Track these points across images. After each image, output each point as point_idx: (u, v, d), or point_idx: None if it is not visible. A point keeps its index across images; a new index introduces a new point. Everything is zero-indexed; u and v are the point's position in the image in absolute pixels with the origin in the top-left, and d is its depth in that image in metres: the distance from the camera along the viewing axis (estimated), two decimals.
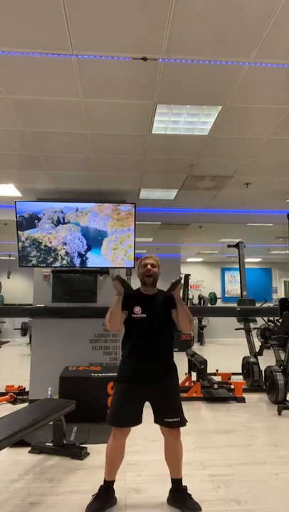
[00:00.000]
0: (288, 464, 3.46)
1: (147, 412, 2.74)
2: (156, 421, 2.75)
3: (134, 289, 2.94)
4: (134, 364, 2.73)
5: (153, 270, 2.82)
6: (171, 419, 2.70)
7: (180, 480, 2.77)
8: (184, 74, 2.67)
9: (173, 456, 2.75)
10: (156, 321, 2.75)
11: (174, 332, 2.85)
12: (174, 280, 2.74)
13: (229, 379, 6.27)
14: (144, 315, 2.74)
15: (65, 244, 5.21)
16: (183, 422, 2.73)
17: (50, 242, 5.19)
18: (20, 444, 3.42)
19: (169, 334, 2.82)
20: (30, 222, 5.14)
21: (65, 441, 3.66)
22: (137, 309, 2.75)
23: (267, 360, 6.20)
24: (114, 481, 2.76)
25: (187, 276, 12.09)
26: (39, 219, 5.15)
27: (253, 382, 6.00)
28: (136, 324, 2.76)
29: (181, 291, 2.88)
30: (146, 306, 2.76)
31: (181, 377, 6.05)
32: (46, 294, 5.47)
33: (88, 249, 5.25)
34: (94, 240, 5.24)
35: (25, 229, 5.15)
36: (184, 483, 2.77)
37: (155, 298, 2.84)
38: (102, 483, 2.74)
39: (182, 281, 2.81)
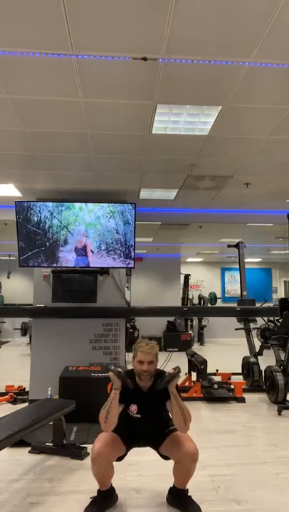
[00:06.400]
0: (288, 464, 3.46)
1: None
2: (159, 447, 2.73)
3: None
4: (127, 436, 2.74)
5: (150, 369, 2.68)
6: (172, 427, 2.70)
7: (184, 489, 2.71)
8: (184, 74, 2.67)
9: (185, 476, 2.66)
10: (151, 421, 2.74)
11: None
12: (171, 370, 2.62)
13: (229, 379, 6.27)
14: (139, 415, 2.71)
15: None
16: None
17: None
18: (20, 444, 3.43)
19: (165, 425, 2.77)
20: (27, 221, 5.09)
21: (65, 441, 3.67)
22: (133, 408, 2.71)
23: (267, 360, 6.20)
24: (110, 486, 2.73)
25: (187, 276, 12.08)
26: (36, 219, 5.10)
27: (253, 382, 6.00)
28: (131, 421, 2.73)
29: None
30: (141, 404, 2.71)
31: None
32: (46, 294, 5.48)
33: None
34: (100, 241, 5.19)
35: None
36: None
37: (151, 393, 2.71)
38: None
39: (179, 373, 2.63)
